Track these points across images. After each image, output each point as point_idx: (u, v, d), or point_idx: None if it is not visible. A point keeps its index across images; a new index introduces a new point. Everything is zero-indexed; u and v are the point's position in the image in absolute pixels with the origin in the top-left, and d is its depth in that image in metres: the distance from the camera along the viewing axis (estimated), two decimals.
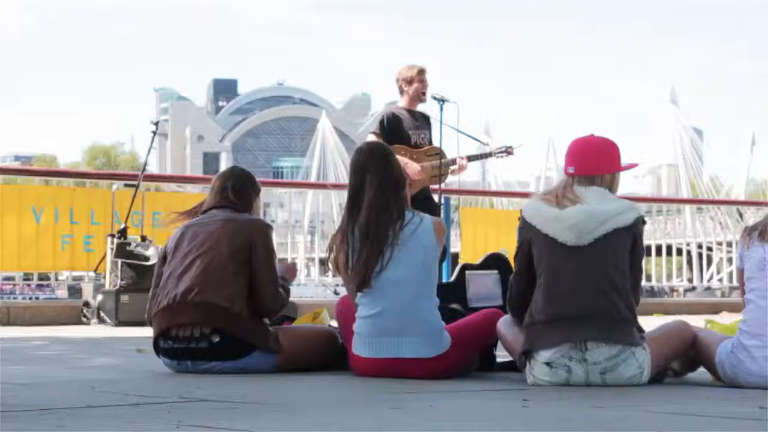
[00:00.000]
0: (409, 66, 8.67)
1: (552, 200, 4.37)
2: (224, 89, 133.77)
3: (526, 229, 4.39)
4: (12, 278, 11.98)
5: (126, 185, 9.95)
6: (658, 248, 14.25)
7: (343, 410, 3.39)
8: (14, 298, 29.83)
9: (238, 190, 5.03)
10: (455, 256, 12.42)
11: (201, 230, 4.91)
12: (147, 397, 3.68)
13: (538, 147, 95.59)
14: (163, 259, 5.00)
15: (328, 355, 4.94)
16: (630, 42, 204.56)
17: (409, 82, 8.57)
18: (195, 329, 4.72)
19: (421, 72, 8.61)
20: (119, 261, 8.89)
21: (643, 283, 15.30)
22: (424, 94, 8.64)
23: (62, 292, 27.51)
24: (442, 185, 8.96)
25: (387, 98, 9.76)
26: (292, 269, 5.29)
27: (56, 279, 11.50)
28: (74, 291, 9.65)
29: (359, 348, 4.60)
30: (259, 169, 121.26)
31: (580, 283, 4.22)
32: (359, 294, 4.59)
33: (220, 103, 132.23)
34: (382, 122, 8.53)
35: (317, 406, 3.50)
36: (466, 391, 4.01)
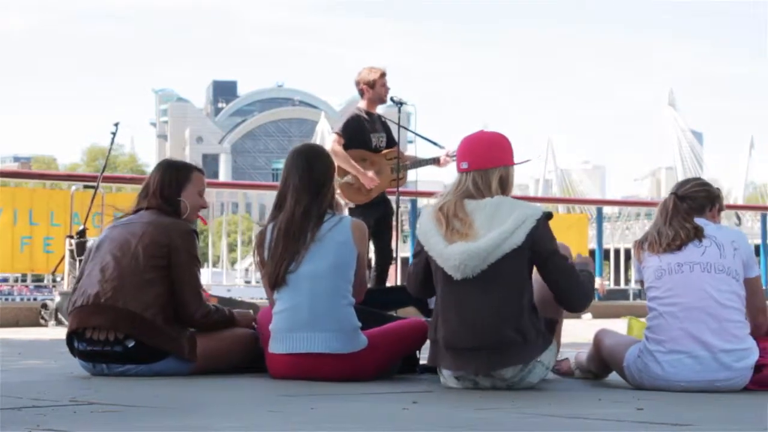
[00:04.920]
0: (370, 68, 8.66)
1: (442, 220, 4.22)
2: (224, 91, 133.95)
3: (427, 256, 4.27)
4: (14, 279, 11.92)
5: (85, 186, 9.92)
6: None
7: (222, 412, 3.38)
8: (12, 300, 29.82)
9: (163, 190, 4.94)
10: None
11: (123, 231, 4.87)
12: (38, 401, 3.67)
13: (537, 149, 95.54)
14: (89, 256, 4.98)
15: (249, 357, 4.92)
16: (629, 44, 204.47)
17: (371, 85, 8.56)
18: (109, 333, 4.70)
19: (383, 75, 8.60)
20: (78, 262, 8.86)
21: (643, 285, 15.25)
22: (385, 96, 8.63)
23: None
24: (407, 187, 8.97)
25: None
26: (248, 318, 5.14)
27: (53, 281, 11.46)
28: None
29: (274, 345, 4.63)
30: (258, 170, 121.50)
31: (466, 316, 4.15)
32: (275, 291, 4.63)
33: (220, 105, 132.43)
34: (347, 124, 8.53)
35: (201, 409, 3.50)
36: (364, 393, 4.00)
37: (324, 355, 4.51)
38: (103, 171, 9.70)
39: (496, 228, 4.12)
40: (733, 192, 79.98)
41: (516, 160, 4.40)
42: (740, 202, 68.54)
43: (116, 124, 9.62)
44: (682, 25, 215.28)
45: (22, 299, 33.24)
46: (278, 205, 4.72)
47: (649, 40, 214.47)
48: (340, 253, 4.60)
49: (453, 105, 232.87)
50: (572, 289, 4.24)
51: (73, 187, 9.97)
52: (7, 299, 29.52)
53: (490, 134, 4.43)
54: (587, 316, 11.22)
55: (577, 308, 4.34)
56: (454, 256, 4.12)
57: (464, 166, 4.30)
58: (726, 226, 4.65)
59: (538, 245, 4.15)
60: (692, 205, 4.44)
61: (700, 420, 3.23)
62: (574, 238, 12.93)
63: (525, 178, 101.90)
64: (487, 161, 4.29)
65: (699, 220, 4.41)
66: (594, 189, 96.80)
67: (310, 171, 4.69)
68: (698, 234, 4.34)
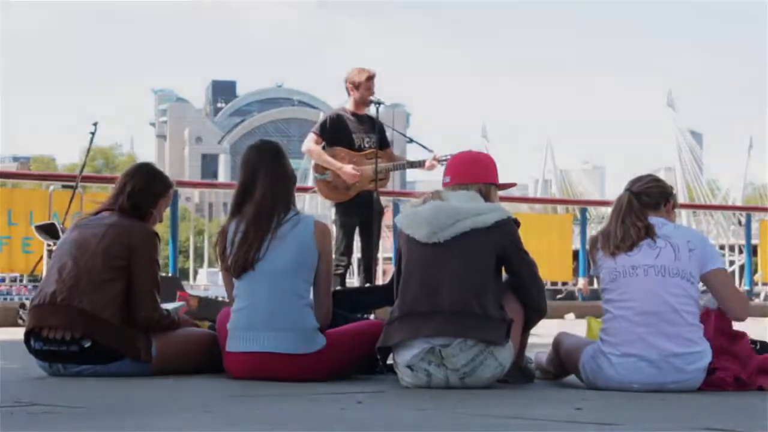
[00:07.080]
0: (359, 70, 8.64)
1: (419, 204, 4.41)
2: (223, 91, 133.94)
3: (398, 235, 4.42)
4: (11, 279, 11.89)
5: (63, 186, 9.89)
6: None
7: (161, 412, 3.37)
8: (11, 299, 29.73)
9: (132, 195, 4.93)
10: None
11: (84, 232, 4.87)
12: None
13: (537, 149, 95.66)
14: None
15: (209, 358, 4.89)
16: (628, 44, 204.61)
17: (356, 86, 8.54)
18: (66, 333, 4.68)
19: (370, 78, 8.57)
20: None
21: None
22: (367, 99, 8.60)
23: None
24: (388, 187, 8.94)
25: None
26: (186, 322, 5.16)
27: None
28: None
29: (231, 343, 4.62)
30: None
31: (430, 280, 4.21)
32: (237, 284, 4.63)
33: (219, 105, 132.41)
34: (324, 123, 8.56)
35: (141, 410, 3.48)
36: (314, 394, 3.98)
37: (281, 355, 4.50)
38: (82, 170, 9.69)
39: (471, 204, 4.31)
40: (732, 192, 79.81)
41: (502, 183, 4.56)
42: (739, 203, 68.43)
43: (95, 124, 9.61)
44: (682, 25, 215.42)
45: (20, 299, 33.12)
46: (241, 201, 4.70)
47: (649, 40, 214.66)
48: (300, 252, 4.59)
49: (452, 105, 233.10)
50: (535, 282, 4.39)
51: (51, 187, 9.95)
52: (5, 299, 29.39)
53: (474, 153, 4.66)
54: (570, 316, 11.21)
55: (538, 302, 4.40)
56: (425, 210, 4.29)
57: (446, 180, 4.48)
58: (683, 226, 4.63)
59: (506, 238, 4.28)
60: (648, 202, 4.41)
61: (631, 419, 3.23)
62: (558, 238, 12.96)
63: (524, 178, 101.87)
64: (467, 177, 4.45)
65: (656, 219, 4.38)
66: (593, 189, 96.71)
67: (278, 163, 4.74)
68: (650, 233, 4.31)
